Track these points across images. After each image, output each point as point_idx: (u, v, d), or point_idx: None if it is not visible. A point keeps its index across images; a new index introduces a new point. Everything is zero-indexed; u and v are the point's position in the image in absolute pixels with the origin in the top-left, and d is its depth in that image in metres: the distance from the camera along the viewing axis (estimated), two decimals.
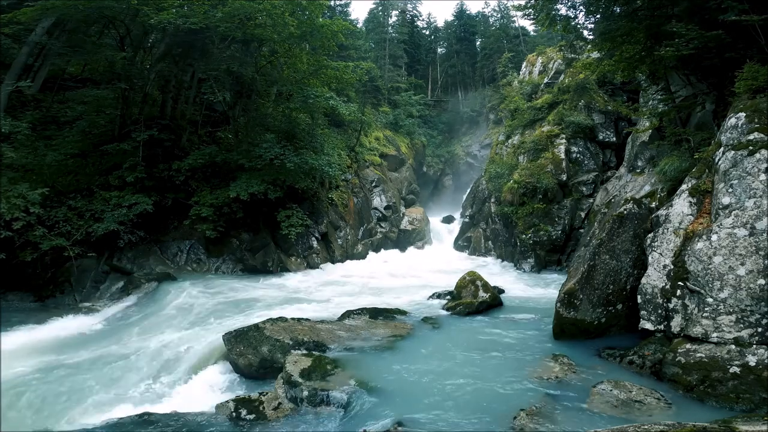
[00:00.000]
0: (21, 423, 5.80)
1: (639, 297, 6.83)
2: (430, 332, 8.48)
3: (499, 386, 5.92)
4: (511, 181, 17.87)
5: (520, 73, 27.20)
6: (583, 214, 16.72)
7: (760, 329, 5.53)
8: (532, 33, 41.85)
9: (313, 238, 16.46)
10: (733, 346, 5.62)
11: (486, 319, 9.40)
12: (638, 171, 13.95)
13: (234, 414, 5.54)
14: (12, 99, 12.51)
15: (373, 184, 22.96)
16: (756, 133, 6.24)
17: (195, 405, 6.21)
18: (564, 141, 17.91)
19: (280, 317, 8.35)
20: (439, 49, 50.04)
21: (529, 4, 11.76)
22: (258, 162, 14.04)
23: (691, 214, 6.78)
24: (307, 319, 8.65)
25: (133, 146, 13.06)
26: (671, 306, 6.37)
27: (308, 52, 16.63)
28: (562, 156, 17.56)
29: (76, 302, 11.08)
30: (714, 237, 6.12)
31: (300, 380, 6.09)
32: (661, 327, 6.48)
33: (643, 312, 6.73)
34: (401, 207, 24.43)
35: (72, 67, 15.48)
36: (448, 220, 27.41)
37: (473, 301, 10.06)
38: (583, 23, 11.75)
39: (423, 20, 49.38)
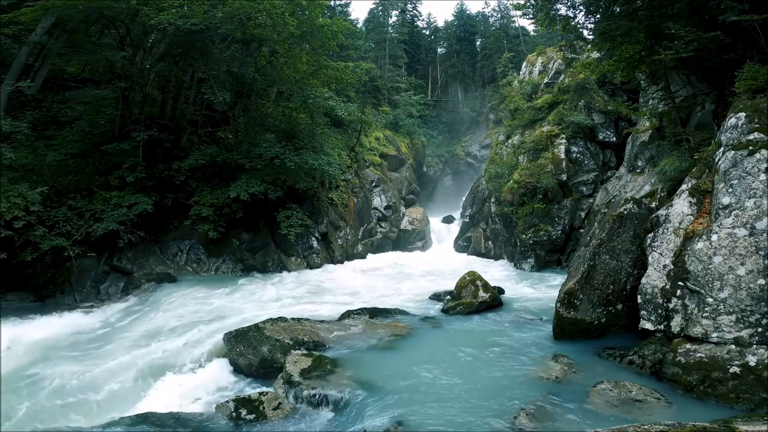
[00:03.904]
0: (21, 423, 5.79)
1: (639, 297, 6.83)
2: (429, 332, 8.48)
3: (499, 386, 5.92)
4: (511, 181, 17.87)
5: (520, 73, 27.20)
6: (583, 214, 16.72)
7: (760, 329, 5.53)
8: (532, 33, 41.90)
9: (313, 238, 16.46)
10: (733, 346, 5.62)
11: (486, 319, 9.40)
12: (638, 171, 13.95)
13: (234, 414, 5.54)
14: (12, 99, 12.51)
15: (373, 184, 22.95)
16: (756, 133, 6.24)
17: (195, 405, 6.21)
18: (564, 141, 17.91)
19: (280, 317, 8.36)
20: (439, 49, 50.10)
21: (528, 4, 11.73)
22: (258, 162, 14.04)
23: (691, 214, 6.78)
24: (307, 319, 8.66)
25: (133, 146, 13.06)
26: (671, 306, 6.37)
27: (308, 52, 16.63)
28: (562, 156, 17.56)
29: (76, 302, 11.07)
30: (714, 237, 6.12)
31: (300, 380, 6.09)
32: (661, 327, 6.48)
33: (643, 312, 6.73)
34: (401, 207, 24.42)
35: (72, 67, 15.46)
36: (448, 220, 27.42)
37: (473, 301, 10.06)
38: (583, 23, 11.74)
39: (423, 20, 49.49)
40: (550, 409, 5.20)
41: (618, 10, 10.09)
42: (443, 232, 25.59)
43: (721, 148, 6.68)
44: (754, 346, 5.49)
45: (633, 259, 7.64)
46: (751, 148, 6.14)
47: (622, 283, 7.60)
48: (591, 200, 16.83)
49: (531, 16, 12.24)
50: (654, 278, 6.69)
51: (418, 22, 48.13)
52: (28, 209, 10.14)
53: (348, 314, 9.28)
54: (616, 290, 7.59)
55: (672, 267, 6.50)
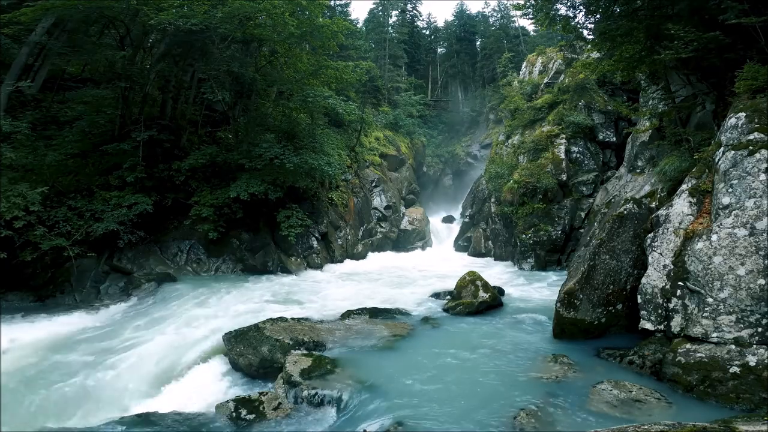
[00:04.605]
0: (21, 423, 5.79)
1: (639, 297, 6.83)
2: (430, 332, 8.48)
3: (499, 386, 5.92)
4: (511, 181, 17.87)
5: (520, 73, 27.21)
6: (583, 214, 16.73)
7: (760, 329, 5.54)
8: (532, 33, 41.92)
9: (313, 238, 16.45)
10: (733, 346, 5.63)
11: (486, 319, 9.40)
12: (638, 171, 13.95)
13: (234, 414, 5.54)
14: (12, 99, 12.50)
15: (373, 184, 22.96)
16: (756, 133, 6.24)
17: (195, 405, 6.21)
18: (564, 141, 17.92)
19: (280, 317, 8.36)
20: (439, 49, 50.10)
21: (528, 4, 11.73)
22: (258, 162, 14.04)
23: (691, 214, 6.78)
24: (307, 319, 8.66)
25: (133, 146, 13.06)
26: (671, 306, 6.38)
27: (308, 52, 16.63)
28: (562, 156, 17.56)
29: (76, 302, 11.06)
30: (714, 237, 6.12)
31: (300, 380, 6.10)
32: (661, 327, 6.48)
33: (643, 312, 6.73)
34: (401, 207, 24.43)
35: (72, 67, 15.45)
36: (448, 220, 27.45)
37: (473, 301, 10.06)
38: (583, 23, 11.74)
39: (423, 20, 49.51)
40: (550, 409, 5.20)
41: (618, 10, 10.09)
42: (443, 232, 25.61)
43: (721, 148, 6.68)
44: (754, 346, 5.50)
45: (633, 259, 7.65)
46: (751, 148, 6.14)
47: (622, 283, 7.61)
48: (591, 200, 16.84)
49: (531, 16, 12.24)
50: (654, 278, 6.69)
51: (418, 22, 48.16)
52: (28, 209, 10.13)
53: (348, 314, 9.28)
54: (616, 290, 7.59)
55: (672, 267, 6.51)
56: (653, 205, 8.28)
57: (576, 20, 11.57)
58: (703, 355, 5.73)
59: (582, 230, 16.07)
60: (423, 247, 23.13)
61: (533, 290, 12.68)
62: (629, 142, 15.34)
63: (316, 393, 5.80)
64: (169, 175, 13.76)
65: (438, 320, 9.21)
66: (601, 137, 18.24)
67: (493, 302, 10.19)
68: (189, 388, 6.70)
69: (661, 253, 6.75)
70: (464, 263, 17.96)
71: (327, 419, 5.47)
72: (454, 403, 5.43)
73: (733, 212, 6.04)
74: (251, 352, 7.14)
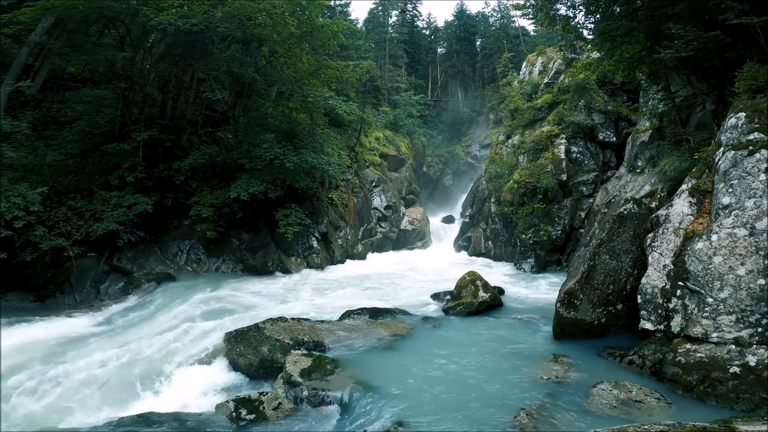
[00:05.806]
0: (21, 423, 5.79)
1: (639, 297, 6.83)
2: (430, 332, 8.48)
3: (499, 386, 5.92)
4: (511, 181, 17.87)
5: (520, 73, 27.22)
6: (583, 214, 16.72)
7: (760, 329, 5.54)
8: (532, 33, 41.93)
9: (313, 238, 16.45)
10: (733, 346, 5.63)
11: (486, 319, 9.40)
12: (638, 171, 13.95)
13: (234, 414, 5.54)
14: (12, 99, 12.50)
15: (373, 184, 22.95)
16: (756, 133, 6.24)
17: (195, 405, 6.21)
18: (564, 141, 17.91)
19: (280, 317, 8.36)
20: (439, 49, 50.13)
21: (528, 4, 11.73)
22: (258, 162, 14.04)
23: (691, 214, 6.78)
24: (307, 319, 8.66)
25: (133, 146, 13.05)
26: (671, 306, 6.38)
27: (308, 52, 16.63)
28: (562, 156, 17.56)
29: (76, 302, 11.07)
30: (714, 237, 6.12)
31: (300, 380, 6.10)
32: (661, 327, 6.49)
33: (643, 312, 6.73)
34: (401, 207, 24.42)
35: (72, 67, 15.46)
36: (448, 220, 27.45)
37: (473, 301, 10.06)
38: (583, 23, 11.74)
39: (423, 20, 49.55)
40: (551, 409, 5.20)
41: (618, 10, 10.10)
42: (443, 232, 25.61)
43: (721, 148, 6.68)
44: (754, 346, 5.50)
45: (633, 259, 7.65)
46: (751, 148, 6.14)
47: (622, 283, 7.61)
48: (591, 200, 16.83)
49: (531, 16, 12.24)
50: (654, 278, 6.69)
51: (418, 22, 48.19)
52: (28, 209, 10.13)
53: (348, 314, 9.28)
54: (616, 290, 7.59)
55: (672, 267, 6.51)
56: (653, 205, 8.29)
57: (576, 20, 11.58)
58: (703, 355, 5.73)
59: (582, 230, 16.07)
60: (423, 247, 23.13)
61: (533, 290, 12.68)
62: (629, 142, 15.33)
63: (317, 393, 5.80)
64: (169, 175, 13.76)
65: (438, 320, 9.21)
66: (601, 137, 18.24)
67: (493, 302, 10.19)
68: (189, 388, 6.70)
69: (661, 253, 6.75)
70: (464, 263, 17.95)
71: (327, 419, 5.47)
72: (454, 403, 5.43)
73: (733, 212, 6.04)
74: (251, 352, 7.14)
